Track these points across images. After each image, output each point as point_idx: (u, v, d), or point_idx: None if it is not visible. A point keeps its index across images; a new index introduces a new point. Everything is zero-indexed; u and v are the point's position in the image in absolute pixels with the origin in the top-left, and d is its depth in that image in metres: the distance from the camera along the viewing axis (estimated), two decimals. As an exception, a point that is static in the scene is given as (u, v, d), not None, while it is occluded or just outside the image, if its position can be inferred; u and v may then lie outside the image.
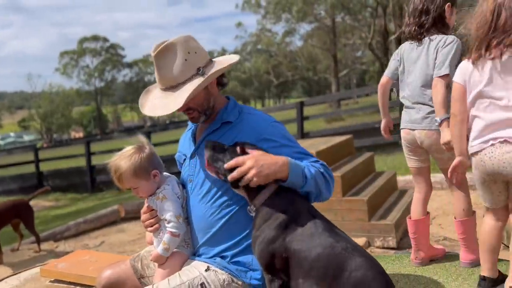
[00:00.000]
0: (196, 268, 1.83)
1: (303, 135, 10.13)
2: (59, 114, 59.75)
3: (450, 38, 2.32)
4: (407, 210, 4.08)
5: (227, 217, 1.84)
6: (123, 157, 1.91)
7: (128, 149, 1.95)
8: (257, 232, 1.67)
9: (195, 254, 1.95)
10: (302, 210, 1.64)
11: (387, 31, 23.93)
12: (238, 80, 54.19)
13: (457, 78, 1.98)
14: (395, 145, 9.30)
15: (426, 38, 2.39)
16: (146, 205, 2.01)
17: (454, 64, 2.24)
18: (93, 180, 12.47)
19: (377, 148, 9.10)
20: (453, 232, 3.78)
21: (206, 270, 1.81)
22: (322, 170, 1.75)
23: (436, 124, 2.26)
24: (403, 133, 2.54)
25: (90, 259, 2.55)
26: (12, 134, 72.26)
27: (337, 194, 3.99)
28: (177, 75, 1.77)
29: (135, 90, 63.53)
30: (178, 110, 1.79)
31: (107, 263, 2.36)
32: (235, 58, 1.89)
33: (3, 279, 2.60)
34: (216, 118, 1.93)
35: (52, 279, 2.46)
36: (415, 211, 2.53)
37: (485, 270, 1.97)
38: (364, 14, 24.38)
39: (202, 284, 1.77)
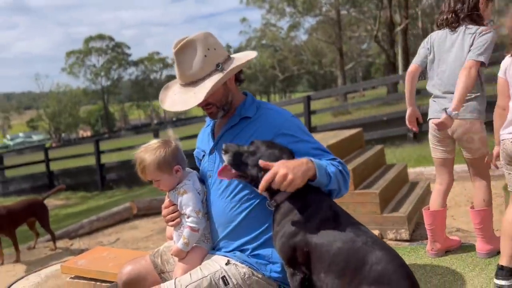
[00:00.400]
0: (217, 262, 1.86)
1: (311, 129, 10.12)
2: (67, 113, 60.18)
3: (486, 28, 2.33)
4: (419, 202, 4.08)
5: (246, 211, 1.87)
6: (149, 150, 1.96)
7: (154, 142, 2.00)
8: (277, 227, 1.69)
9: (214, 248, 1.99)
10: (323, 205, 1.66)
11: (392, 22, 23.77)
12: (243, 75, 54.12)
13: (500, 72, 2.10)
14: (403, 138, 9.29)
15: (461, 27, 2.40)
16: (167, 199, 2.05)
17: (489, 53, 2.25)
18: (103, 178, 12.58)
19: (386, 141, 9.10)
20: (465, 223, 3.79)
21: (226, 264, 1.84)
22: (340, 168, 1.79)
23: (448, 113, 2.26)
24: (432, 122, 2.53)
25: (109, 255, 2.59)
26: (21, 134, 72.87)
27: (349, 188, 3.99)
28: (196, 71, 1.80)
29: (141, 88, 63.77)
30: (198, 105, 1.83)
31: (126, 259, 2.41)
32: (252, 54, 1.93)
33: (24, 277, 2.65)
34: (235, 113, 1.96)
35: (72, 276, 2.50)
36: (435, 202, 2.54)
37: (504, 259, 1.99)
38: (369, 6, 24.21)
39: (223, 278, 1.80)
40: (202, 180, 2.05)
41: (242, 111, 1.95)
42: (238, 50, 53.49)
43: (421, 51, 2.64)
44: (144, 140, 2.06)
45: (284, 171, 1.59)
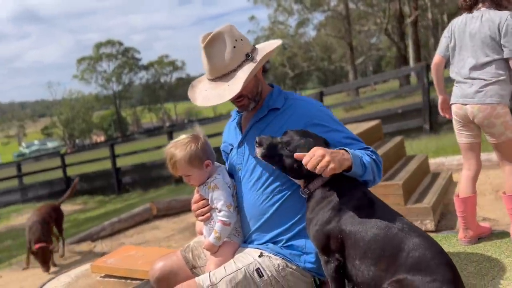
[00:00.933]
0: (250, 255, 1.85)
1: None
2: (80, 119, 60.87)
3: (506, 14, 2.29)
4: (442, 193, 4.03)
5: (279, 203, 1.85)
6: (179, 145, 1.96)
7: (184, 137, 2.00)
8: (311, 214, 1.68)
9: (246, 242, 1.98)
10: (357, 192, 1.65)
11: (402, 15, 23.54)
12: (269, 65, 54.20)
13: None
14: (420, 130, 9.19)
15: (479, 12, 2.36)
16: (196, 194, 2.04)
17: None
18: (119, 181, 12.68)
19: (402, 133, 9.03)
20: (492, 211, 3.73)
21: (259, 256, 1.83)
22: (374, 157, 1.77)
23: None
24: (454, 108, 2.52)
25: (137, 253, 2.60)
26: (36, 142, 73.94)
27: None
28: (228, 62, 1.79)
29: (152, 91, 64.17)
30: (231, 98, 1.81)
31: (155, 256, 2.41)
32: (278, 42, 1.91)
33: (54, 277, 2.68)
34: (263, 105, 1.95)
35: (102, 275, 2.52)
36: (464, 189, 2.50)
37: None
38: (378, -1, 24.10)
39: (257, 270, 1.79)
40: (231, 174, 2.04)
41: (270, 103, 1.94)
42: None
43: (443, 40, 2.62)
44: (158, 143, 2.07)
45: (322, 152, 1.56)
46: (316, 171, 1.55)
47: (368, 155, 1.75)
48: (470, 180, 2.50)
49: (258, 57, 1.82)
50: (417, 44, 24.27)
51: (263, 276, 1.79)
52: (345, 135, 1.83)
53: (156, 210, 6.45)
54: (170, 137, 11.16)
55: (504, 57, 2.31)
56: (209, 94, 1.85)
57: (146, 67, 65.22)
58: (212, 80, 1.86)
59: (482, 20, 2.36)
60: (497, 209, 3.76)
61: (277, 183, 1.85)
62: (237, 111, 2.11)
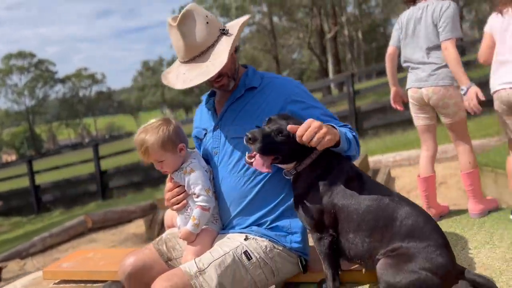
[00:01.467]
0: (234, 239, 1.79)
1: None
2: (-12, 137, 55.84)
3: (447, 2, 2.47)
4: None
5: (261, 183, 1.82)
6: (150, 129, 1.85)
7: (154, 121, 1.90)
8: (301, 193, 1.65)
9: (226, 228, 1.91)
10: (345, 166, 1.65)
11: (323, 30, 24.71)
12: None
13: (486, 28, 2.46)
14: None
15: (425, 3, 2.53)
16: (169, 183, 1.94)
17: (457, 25, 2.40)
18: (38, 200, 11.68)
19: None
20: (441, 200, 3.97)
21: (245, 239, 1.77)
22: (354, 133, 1.79)
23: (463, 93, 2.40)
24: (410, 92, 2.66)
25: (96, 255, 2.40)
26: None
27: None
28: (205, 38, 1.73)
29: (69, 106, 60.86)
30: (210, 79, 1.75)
31: (117, 257, 2.25)
32: (245, 17, 1.87)
33: (-3, 290, 2.38)
34: (238, 85, 1.91)
35: (57, 281, 2.28)
36: (425, 169, 2.63)
37: None
38: (300, 14, 25.05)
39: (245, 253, 1.74)
40: (206, 160, 1.97)
41: (246, 82, 1.90)
42: (172, 62, 52.78)
43: (394, 33, 2.78)
44: (82, 157, 1.94)
45: (318, 124, 1.53)
46: (312, 143, 1.53)
47: (349, 131, 1.77)
48: (430, 160, 2.65)
49: (234, 31, 1.77)
50: (337, 58, 25.56)
51: (251, 258, 1.73)
52: (323, 112, 1.84)
53: (91, 222, 6.06)
54: (96, 150, 10.60)
55: (440, 40, 2.49)
56: (189, 76, 1.77)
57: (62, 81, 61.73)
58: (188, 61, 1.79)
59: (427, 9, 2.55)
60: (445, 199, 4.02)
61: None
62: (209, 95, 2.05)
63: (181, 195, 1.90)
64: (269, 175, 1.81)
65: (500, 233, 2.13)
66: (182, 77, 1.80)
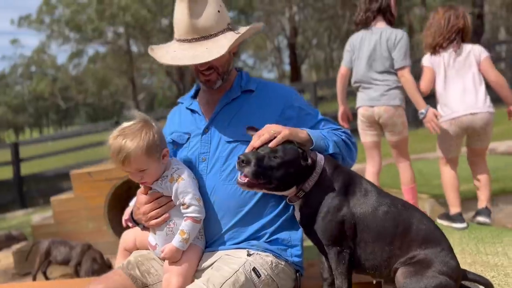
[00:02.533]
0: (235, 256, 1.63)
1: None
2: None
3: (400, 32, 2.74)
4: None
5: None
6: (130, 133, 1.60)
7: (133, 123, 1.63)
8: (316, 209, 1.58)
9: (212, 244, 1.72)
10: (350, 174, 1.64)
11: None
12: (8, 105, 47.60)
13: (425, 62, 2.76)
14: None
15: (377, 28, 2.75)
16: (141, 195, 1.72)
17: (408, 53, 2.69)
18: None
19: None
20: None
21: (248, 255, 1.63)
22: (343, 137, 1.77)
23: (422, 116, 2.66)
24: (362, 110, 2.87)
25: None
26: None
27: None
28: (211, 25, 1.63)
29: None
30: (201, 66, 1.64)
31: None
32: (259, 24, 1.80)
33: None
34: (233, 86, 1.80)
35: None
36: None
37: (453, 208, 2.68)
38: (159, 39, 24.87)
39: (254, 269, 1.61)
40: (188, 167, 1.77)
41: (242, 84, 1.81)
42: (2, 77, 46.92)
43: (346, 54, 2.99)
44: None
45: (275, 127, 1.58)
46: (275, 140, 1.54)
47: (337, 134, 1.75)
48: (375, 176, 2.84)
49: (242, 30, 1.70)
50: (193, 85, 25.89)
51: (260, 276, 1.61)
52: (318, 119, 1.82)
53: None
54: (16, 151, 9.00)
55: (395, 68, 2.77)
56: (180, 54, 1.62)
57: None
58: (184, 41, 1.64)
59: (382, 35, 2.81)
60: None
61: None
62: (191, 97, 1.87)
63: (162, 207, 1.67)
64: None
65: (475, 241, 2.37)
66: (171, 54, 1.64)
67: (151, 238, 1.75)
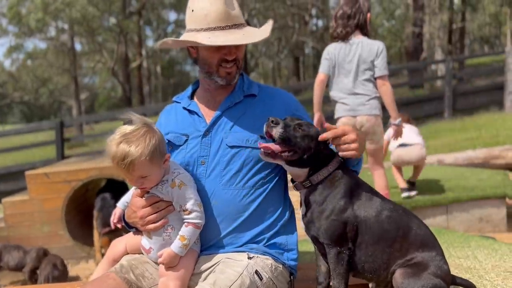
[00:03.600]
0: (236, 259, 1.62)
1: (64, 157, 9.54)
2: None
3: (381, 43, 2.85)
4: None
5: (261, 197, 1.72)
6: (133, 139, 1.54)
7: (137, 128, 1.57)
8: (320, 207, 1.61)
9: (208, 248, 1.71)
10: (357, 178, 1.70)
11: (128, 58, 24.19)
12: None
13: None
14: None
15: (357, 40, 2.85)
16: (136, 197, 1.67)
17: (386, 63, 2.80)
18: None
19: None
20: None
21: (249, 258, 1.63)
22: None
23: (398, 124, 2.83)
24: (344, 120, 2.94)
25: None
26: None
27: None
28: (239, 14, 1.68)
29: None
30: (231, 54, 1.66)
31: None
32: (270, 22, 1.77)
33: None
34: (235, 89, 1.79)
35: None
36: None
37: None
38: (105, 38, 24.04)
39: (256, 272, 1.61)
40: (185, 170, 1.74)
41: (244, 87, 1.81)
42: None
43: (325, 62, 3.04)
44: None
45: (354, 137, 1.54)
46: (342, 151, 1.56)
47: None
48: None
49: (266, 27, 1.71)
50: (141, 88, 25.27)
51: (262, 278, 1.61)
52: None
53: None
54: None
55: (375, 76, 2.89)
56: (222, 38, 1.60)
57: None
58: (216, 28, 1.62)
59: (362, 46, 2.91)
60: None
61: (260, 175, 1.72)
62: (189, 97, 1.84)
63: (161, 212, 1.63)
64: (269, 187, 1.72)
65: (446, 245, 2.49)
66: (206, 40, 1.59)
67: (145, 241, 1.70)
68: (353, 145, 1.55)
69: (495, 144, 6.58)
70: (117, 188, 4.36)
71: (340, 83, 2.99)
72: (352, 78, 2.95)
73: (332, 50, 3.03)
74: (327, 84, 3.05)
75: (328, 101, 3.20)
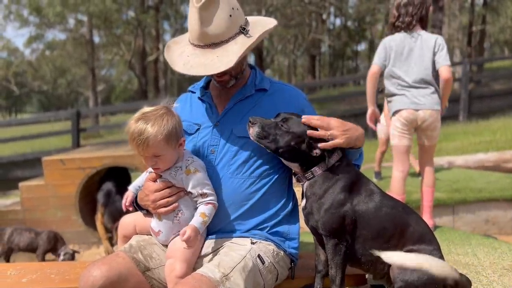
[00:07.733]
0: (240, 244, 1.70)
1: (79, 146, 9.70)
2: None
3: (440, 37, 2.88)
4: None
5: (266, 187, 1.78)
6: (152, 118, 1.63)
7: (155, 109, 1.67)
8: (320, 199, 1.67)
9: (215, 233, 1.78)
10: (358, 173, 1.75)
11: (145, 51, 24.44)
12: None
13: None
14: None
15: (416, 33, 2.88)
16: (150, 180, 1.75)
17: None
18: None
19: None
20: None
21: (252, 243, 1.70)
22: None
23: (445, 110, 2.79)
24: (405, 113, 2.88)
25: (19, 272, 1.88)
26: None
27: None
28: (222, 32, 1.65)
29: None
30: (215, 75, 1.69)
31: (69, 272, 1.80)
32: (273, 21, 1.81)
33: None
34: (247, 83, 1.85)
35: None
36: (398, 189, 2.88)
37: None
38: (123, 31, 24.30)
39: (259, 256, 1.68)
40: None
41: (256, 82, 1.86)
42: None
43: (381, 54, 2.98)
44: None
45: (336, 123, 1.63)
46: (323, 146, 1.62)
47: None
48: (402, 181, 2.91)
49: (254, 33, 1.70)
50: (157, 81, 25.52)
51: (264, 262, 1.69)
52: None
53: None
54: None
55: (437, 68, 2.85)
56: (192, 61, 1.66)
57: None
58: (197, 46, 1.68)
59: (422, 39, 2.88)
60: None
61: (266, 166, 1.78)
62: (203, 87, 1.92)
63: (173, 197, 1.71)
64: (274, 178, 1.79)
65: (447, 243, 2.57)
66: (185, 58, 1.68)
67: (155, 224, 1.78)
68: (325, 134, 1.62)
69: (508, 148, 6.53)
70: (118, 175, 4.45)
71: (401, 76, 2.89)
72: (417, 70, 2.86)
73: (391, 42, 2.94)
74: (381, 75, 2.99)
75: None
